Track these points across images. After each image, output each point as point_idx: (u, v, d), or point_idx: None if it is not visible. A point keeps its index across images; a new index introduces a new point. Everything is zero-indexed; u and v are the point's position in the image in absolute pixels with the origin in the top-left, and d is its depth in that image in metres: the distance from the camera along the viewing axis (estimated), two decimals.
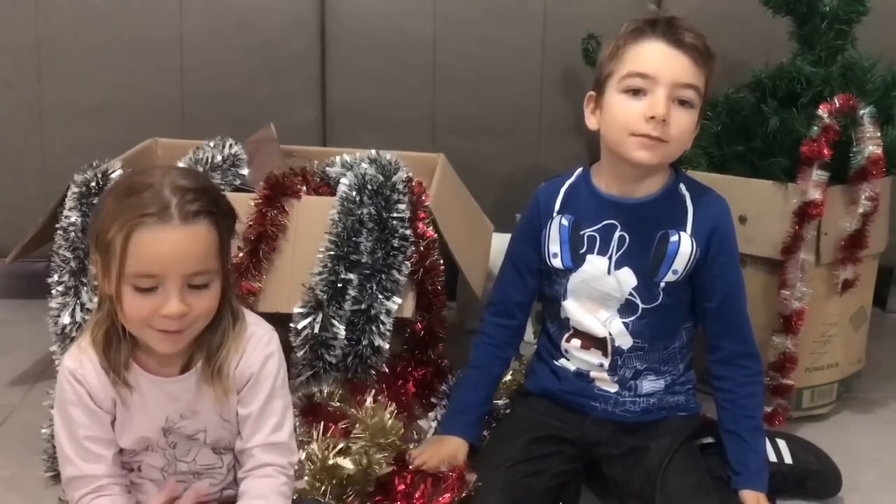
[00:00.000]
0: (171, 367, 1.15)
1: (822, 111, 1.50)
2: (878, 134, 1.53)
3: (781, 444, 1.45)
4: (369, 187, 1.51)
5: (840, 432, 1.66)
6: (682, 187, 1.34)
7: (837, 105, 1.50)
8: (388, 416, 1.35)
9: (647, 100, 1.25)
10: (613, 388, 1.38)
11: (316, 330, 1.46)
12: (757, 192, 1.59)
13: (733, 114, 1.66)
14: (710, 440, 1.39)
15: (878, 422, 1.72)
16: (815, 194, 1.51)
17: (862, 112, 1.52)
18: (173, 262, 1.04)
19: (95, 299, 1.50)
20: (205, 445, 1.17)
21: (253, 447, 1.16)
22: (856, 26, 1.62)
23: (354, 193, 1.51)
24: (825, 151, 1.49)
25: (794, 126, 1.56)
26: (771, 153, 1.60)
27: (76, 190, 1.56)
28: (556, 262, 1.37)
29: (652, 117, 1.23)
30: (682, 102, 1.26)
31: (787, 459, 1.44)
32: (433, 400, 1.57)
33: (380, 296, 1.48)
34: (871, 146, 1.52)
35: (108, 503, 1.12)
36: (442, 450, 1.37)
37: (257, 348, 1.17)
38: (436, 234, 1.54)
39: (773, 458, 1.43)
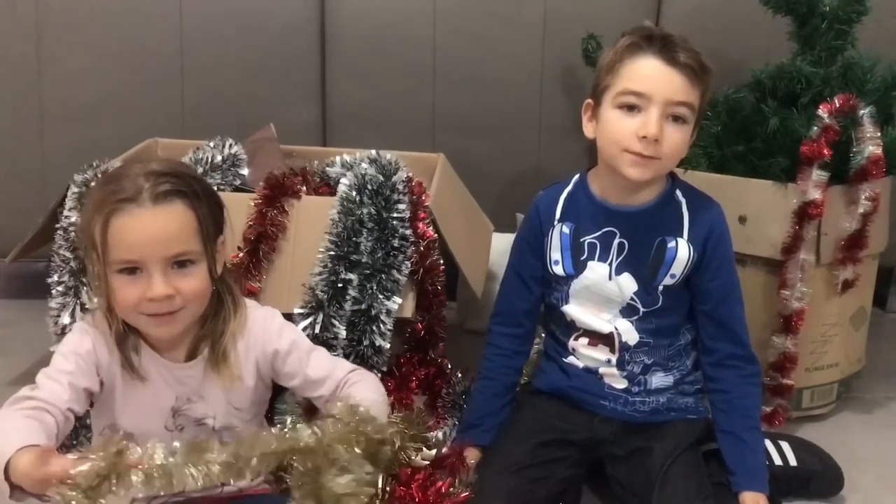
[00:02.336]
0: (177, 352, 1.16)
1: (822, 111, 1.50)
2: (878, 134, 1.53)
3: (785, 446, 1.45)
4: (369, 187, 1.51)
5: (840, 432, 1.66)
6: (679, 193, 1.35)
7: (837, 105, 1.50)
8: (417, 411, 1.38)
9: (640, 117, 1.26)
10: (622, 385, 1.38)
11: (317, 330, 1.46)
12: (757, 192, 1.59)
13: (733, 114, 1.66)
14: (715, 446, 1.37)
15: (878, 422, 1.72)
16: (815, 194, 1.51)
17: (862, 112, 1.52)
18: (150, 244, 1.06)
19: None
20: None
21: (340, 378, 1.20)
22: (856, 26, 1.62)
23: (354, 193, 1.51)
24: (825, 151, 1.49)
25: (794, 126, 1.56)
26: (771, 153, 1.60)
27: (76, 190, 1.56)
28: (558, 269, 1.38)
29: (644, 136, 1.24)
30: (676, 118, 1.27)
31: (792, 462, 1.44)
32: (438, 403, 1.56)
33: (380, 296, 1.48)
34: (871, 146, 1.52)
35: (44, 419, 1.02)
36: None
37: (266, 325, 1.20)
38: (436, 234, 1.54)
39: (777, 461, 1.43)
